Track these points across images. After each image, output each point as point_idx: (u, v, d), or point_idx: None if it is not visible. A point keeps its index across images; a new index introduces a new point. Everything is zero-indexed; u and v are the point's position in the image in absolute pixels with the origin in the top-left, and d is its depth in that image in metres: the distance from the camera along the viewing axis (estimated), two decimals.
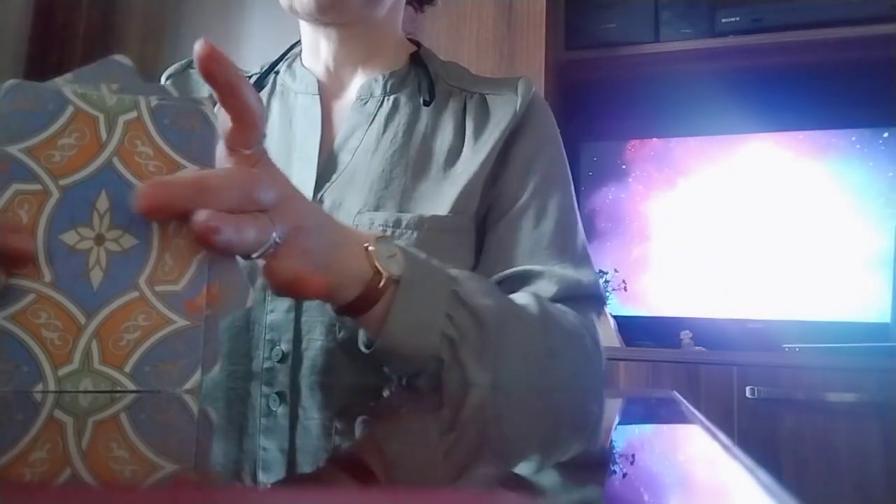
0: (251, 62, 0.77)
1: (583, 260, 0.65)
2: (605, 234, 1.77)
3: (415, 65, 0.72)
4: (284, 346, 0.59)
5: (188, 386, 0.36)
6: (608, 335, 1.47)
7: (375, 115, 0.68)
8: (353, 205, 0.63)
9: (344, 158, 0.66)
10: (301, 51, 0.74)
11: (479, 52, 1.56)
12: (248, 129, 0.39)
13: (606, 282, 1.73)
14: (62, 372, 0.34)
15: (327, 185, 0.64)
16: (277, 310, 0.60)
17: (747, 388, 1.30)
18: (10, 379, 0.34)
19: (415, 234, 0.61)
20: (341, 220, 0.61)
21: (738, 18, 1.54)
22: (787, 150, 1.68)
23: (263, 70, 0.75)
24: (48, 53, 1.81)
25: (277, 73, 0.74)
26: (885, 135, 1.61)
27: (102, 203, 0.35)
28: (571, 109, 1.80)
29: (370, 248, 0.47)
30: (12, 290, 0.34)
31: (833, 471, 1.25)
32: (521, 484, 0.21)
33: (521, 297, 0.57)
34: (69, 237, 0.35)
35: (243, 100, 0.38)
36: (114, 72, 0.37)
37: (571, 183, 0.70)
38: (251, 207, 0.38)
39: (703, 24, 1.58)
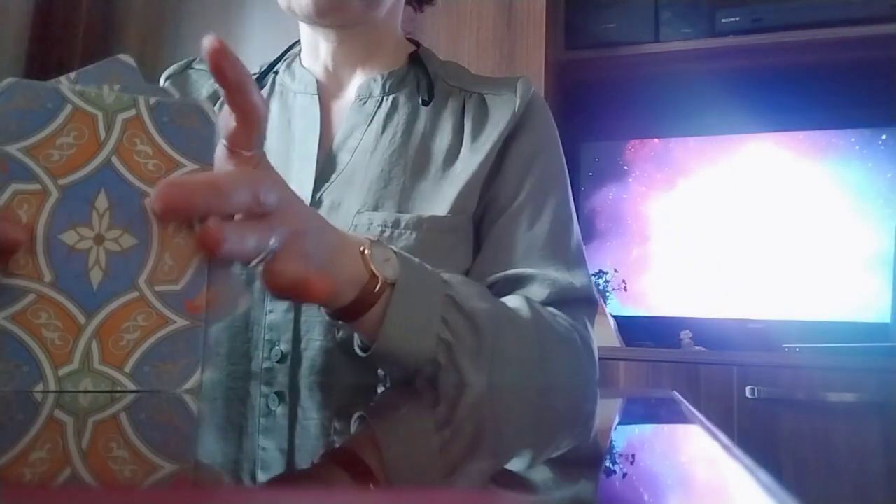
0: (251, 62, 0.77)
1: (577, 262, 0.65)
2: (606, 234, 1.77)
3: (414, 65, 0.72)
4: (283, 347, 0.59)
5: (188, 386, 0.36)
6: (608, 335, 1.47)
7: (374, 115, 0.68)
8: (351, 205, 0.63)
9: (343, 158, 0.66)
10: (300, 51, 0.74)
11: (479, 52, 1.56)
12: (252, 130, 0.39)
13: (606, 282, 1.73)
14: (62, 372, 0.34)
15: (326, 185, 0.64)
16: (276, 310, 0.60)
17: (747, 388, 1.30)
18: (10, 379, 0.34)
19: (413, 234, 0.61)
20: (340, 220, 0.61)
21: (738, 18, 1.54)
22: (787, 151, 1.68)
23: (262, 70, 0.75)
24: (48, 53, 1.81)
25: (276, 73, 0.74)
26: (884, 136, 1.61)
27: (102, 202, 0.35)
28: (571, 109, 1.80)
29: (366, 251, 0.47)
30: (12, 291, 0.34)
31: (833, 471, 1.25)
32: (519, 483, 0.21)
33: (513, 301, 0.57)
34: (69, 237, 0.35)
35: (251, 99, 0.38)
36: (117, 72, 0.37)
37: (569, 184, 0.70)
38: (256, 210, 0.38)
39: (703, 24, 1.58)
